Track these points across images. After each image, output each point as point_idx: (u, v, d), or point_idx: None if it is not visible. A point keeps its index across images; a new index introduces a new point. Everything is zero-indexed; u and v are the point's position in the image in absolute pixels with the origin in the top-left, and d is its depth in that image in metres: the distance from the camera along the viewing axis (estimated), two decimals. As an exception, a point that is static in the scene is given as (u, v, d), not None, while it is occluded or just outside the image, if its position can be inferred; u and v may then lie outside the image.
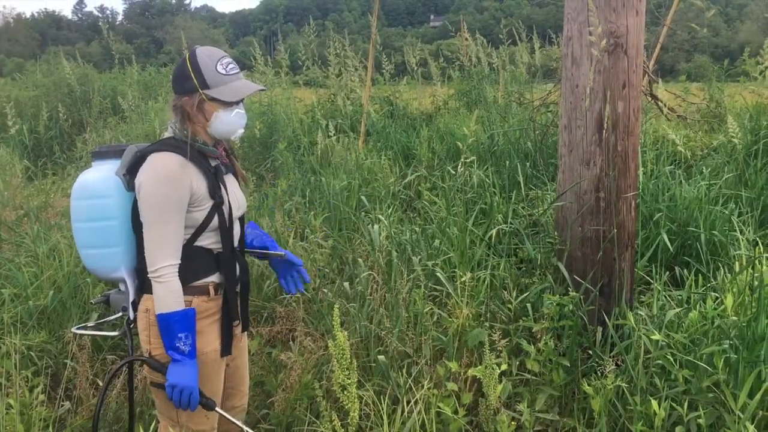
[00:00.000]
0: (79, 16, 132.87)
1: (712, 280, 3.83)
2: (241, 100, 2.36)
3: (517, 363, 3.18)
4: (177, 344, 2.16)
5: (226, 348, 2.44)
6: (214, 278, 2.37)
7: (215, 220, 2.31)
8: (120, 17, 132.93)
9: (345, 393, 2.30)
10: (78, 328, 2.61)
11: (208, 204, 2.29)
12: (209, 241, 2.34)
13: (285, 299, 4.13)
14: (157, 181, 2.18)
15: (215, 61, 2.27)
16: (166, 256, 2.19)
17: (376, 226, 4.30)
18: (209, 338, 2.35)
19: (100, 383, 3.50)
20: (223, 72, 2.27)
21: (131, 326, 2.40)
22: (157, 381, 2.30)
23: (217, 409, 2.35)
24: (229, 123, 2.32)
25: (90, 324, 2.71)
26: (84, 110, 10.79)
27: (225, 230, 2.35)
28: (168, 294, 2.18)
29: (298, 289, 2.74)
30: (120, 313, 2.45)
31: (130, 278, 2.35)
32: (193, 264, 2.28)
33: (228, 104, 2.29)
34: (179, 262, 2.22)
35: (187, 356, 2.18)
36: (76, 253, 4.40)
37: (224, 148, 2.49)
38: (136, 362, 2.52)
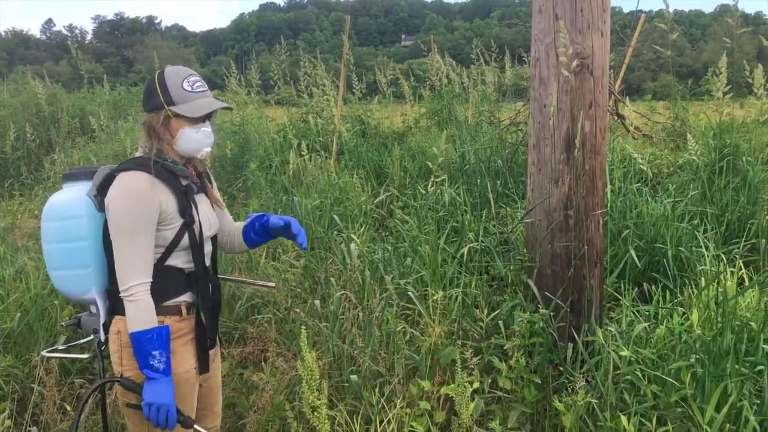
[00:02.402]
0: (48, 35, 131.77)
1: (679, 295, 3.89)
2: (208, 119, 2.35)
3: (489, 380, 3.20)
4: (151, 362, 2.14)
5: (204, 366, 2.42)
6: (186, 297, 2.35)
7: (185, 239, 2.30)
8: (89, 36, 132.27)
9: (315, 414, 2.29)
10: (48, 351, 2.56)
11: (178, 223, 2.27)
12: (180, 260, 2.33)
13: (257, 320, 4.11)
14: (125, 199, 2.16)
15: (182, 78, 2.27)
16: (137, 274, 2.17)
17: (353, 245, 4.31)
18: (183, 358, 2.33)
19: (68, 408, 3.44)
20: (189, 89, 2.27)
21: (102, 348, 2.37)
22: (130, 402, 2.27)
23: (196, 426, 2.32)
24: (194, 140, 2.31)
25: (61, 347, 2.66)
26: (52, 130, 10.65)
27: (196, 249, 2.34)
28: (139, 312, 2.15)
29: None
30: (91, 336, 2.42)
31: (101, 299, 2.33)
32: (164, 283, 2.26)
33: (194, 121, 2.28)
34: (150, 280, 2.21)
35: (161, 374, 2.15)
36: (43, 276, 4.34)
37: (196, 168, 2.48)
38: (107, 384, 2.49)
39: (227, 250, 2.76)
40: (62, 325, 2.62)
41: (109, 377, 2.26)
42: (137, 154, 2.34)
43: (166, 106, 2.25)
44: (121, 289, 2.16)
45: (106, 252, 2.29)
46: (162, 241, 2.25)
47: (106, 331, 2.33)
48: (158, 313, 2.24)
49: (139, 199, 2.17)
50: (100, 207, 2.27)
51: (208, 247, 2.46)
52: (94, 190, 2.28)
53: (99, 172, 2.31)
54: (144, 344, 2.13)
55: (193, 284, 2.36)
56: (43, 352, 2.54)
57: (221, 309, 2.57)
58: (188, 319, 2.36)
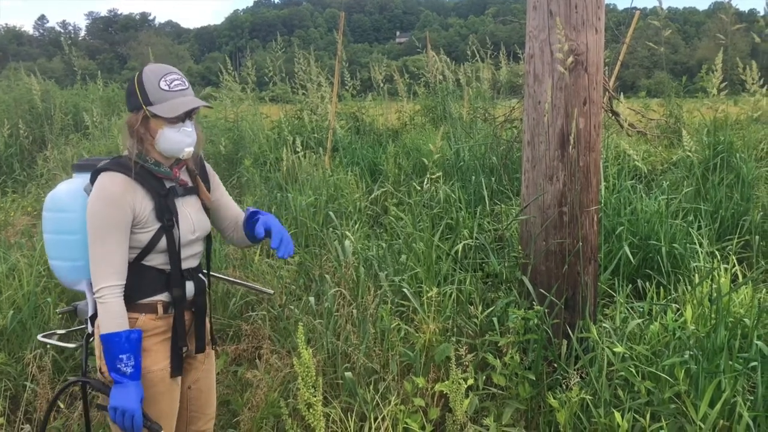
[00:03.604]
0: (41, 31, 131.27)
1: (673, 292, 3.90)
2: (188, 118, 2.29)
3: (484, 377, 3.20)
4: (118, 365, 2.10)
5: (177, 368, 2.37)
6: (163, 297, 2.32)
7: (162, 243, 2.27)
8: (83, 33, 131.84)
9: (310, 411, 2.28)
10: (43, 336, 2.56)
11: (155, 226, 2.24)
12: (157, 261, 2.30)
13: (251, 317, 4.10)
14: (98, 201, 2.15)
15: (159, 77, 2.22)
16: (107, 277, 2.15)
17: (347, 242, 4.30)
18: (157, 357, 2.30)
19: (61, 405, 3.43)
20: (166, 88, 2.21)
21: (91, 340, 2.36)
22: (100, 403, 2.25)
23: None
24: (174, 141, 2.25)
25: (60, 331, 2.66)
26: (45, 127, 10.61)
27: (174, 253, 2.30)
28: (107, 315, 2.13)
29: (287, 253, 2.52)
30: (83, 326, 2.42)
31: (89, 293, 2.32)
32: (140, 282, 2.25)
33: (173, 121, 2.23)
34: (123, 282, 2.18)
35: (128, 378, 2.12)
36: (36, 273, 4.33)
37: (188, 167, 2.45)
38: (88, 381, 2.46)
39: (236, 244, 2.71)
40: (57, 312, 2.62)
41: (77, 378, 2.25)
42: (123, 153, 2.32)
43: (144, 106, 2.21)
44: (93, 290, 2.16)
45: None
46: (137, 243, 2.23)
47: (93, 324, 2.32)
48: (133, 310, 2.24)
49: (111, 203, 2.15)
50: None
51: (195, 249, 2.42)
52: (90, 185, 2.27)
53: (100, 165, 2.29)
54: (112, 347, 2.10)
55: (172, 285, 2.33)
56: (39, 337, 2.55)
57: (208, 310, 2.51)
58: (165, 317, 2.33)
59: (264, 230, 2.43)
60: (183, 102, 2.22)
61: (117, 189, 2.16)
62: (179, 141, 2.26)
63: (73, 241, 2.28)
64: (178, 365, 2.38)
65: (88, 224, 2.16)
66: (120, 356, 2.10)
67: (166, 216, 2.26)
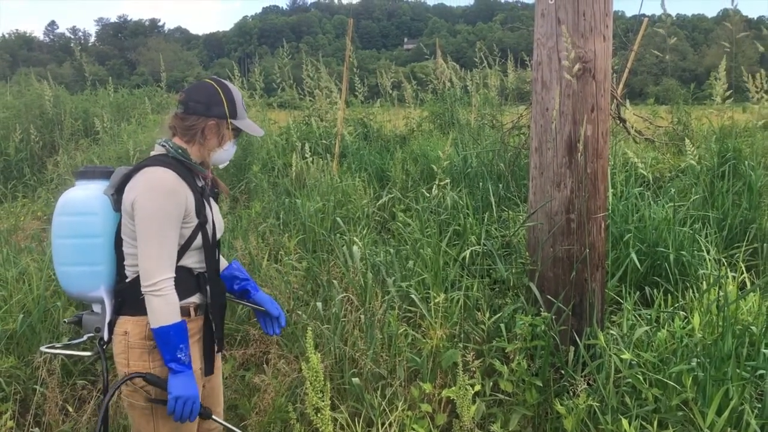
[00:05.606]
0: (51, 37, 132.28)
1: (681, 299, 3.90)
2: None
3: (491, 383, 3.20)
4: (178, 355, 2.18)
5: (209, 368, 2.47)
6: (195, 299, 2.38)
7: (199, 239, 2.33)
8: (92, 38, 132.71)
9: (318, 415, 2.29)
10: (47, 347, 2.54)
11: (194, 222, 2.31)
12: (191, 260, 2.35)
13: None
14: (156, 194, 2.19)
15: (240, 96, 2.46)
16: (165, 270, 2.20)
17: (355, 248, 4.32)
18: (193, 358, 2.35)
19: (70, 409, 3.45)
20: (245, 108, 2.49)
21: (104, 347, 2.37)
22: (154, 397, 2.28)
23: (213, 417, 2.40)
24: (230, 153, 2.48)
25: (58, 345, 2.66)
26: (56, 132, 10.67)
27: (209, 249, 2.38)
28: (168, 306, 2.19)
29: (274, 331, 2.75)
30: (88, 335, 2.41)
31: (108, 298, 2.34)
32: (176, 284, 2.28)
33: (237, 136, 2.48)
34: (174, 275, 2.24)
35: (186, 366, 2.20)
36: (45, 277, 4.35)
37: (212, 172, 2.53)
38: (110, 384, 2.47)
39: None
40: (65, 322, 2.62)
41: (134, 373, 2.27)
42: (155, 153, 2.37)
43: (229, 118, 2.38)
44: (147, 283, 2.18)
45: (116, 251, 2.32)
46: (180, 239, 2.28)
47: (111, 331, 2.34)
48: None
49: (169, 195, 2.21)
50: (116, 206, 2.29)
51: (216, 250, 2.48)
52: (112, 189, 2.30)
53: (117, 171, 2.35)
54: (172, 338, 2.17)
55: (203, 286, 2.39)
56: (42, 348, 2.54)
57: (225, 311, 2.59)
58: (196, 320, 2.39)
59: (264, 306, 2.68)
60: (256, 126, 2.51)
61: (174, 183, 2.24)
62: (232, 154, 2.51)
63: (98, 245, 2.31)
64: (211, 365, 2.49)
65: (143, 218, 2.19)
66: (180, 346, 2.19)
67: (203, 212, 2.34)
